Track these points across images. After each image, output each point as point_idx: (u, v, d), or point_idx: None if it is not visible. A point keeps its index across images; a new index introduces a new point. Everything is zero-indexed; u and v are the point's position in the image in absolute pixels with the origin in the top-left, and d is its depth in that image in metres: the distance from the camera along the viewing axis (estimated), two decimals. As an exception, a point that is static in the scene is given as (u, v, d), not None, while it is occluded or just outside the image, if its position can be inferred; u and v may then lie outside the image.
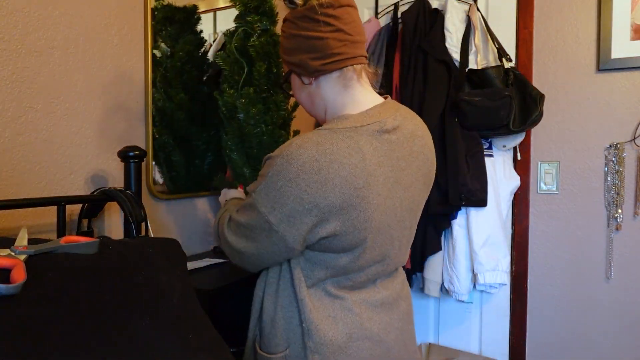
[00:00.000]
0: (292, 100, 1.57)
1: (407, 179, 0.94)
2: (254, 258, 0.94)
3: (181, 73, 1.50)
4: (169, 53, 1.45)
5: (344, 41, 0.90)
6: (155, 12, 1.40)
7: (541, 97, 1.76)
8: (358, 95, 0.94)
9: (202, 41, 1.57)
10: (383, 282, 1.02)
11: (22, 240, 0.78)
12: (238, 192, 1.28)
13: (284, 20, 0.96)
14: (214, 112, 1.62)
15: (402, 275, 1.10)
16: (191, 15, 1.53)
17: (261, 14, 1.46)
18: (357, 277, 0.95)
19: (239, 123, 1.45)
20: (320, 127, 0.90)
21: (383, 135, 0.90)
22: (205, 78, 1.61)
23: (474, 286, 1.90)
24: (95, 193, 1.15)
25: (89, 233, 1.17)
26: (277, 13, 1.52)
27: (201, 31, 1.57)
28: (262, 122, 1.46)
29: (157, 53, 1.41)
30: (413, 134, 0.96)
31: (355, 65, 0.93)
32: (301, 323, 0.93)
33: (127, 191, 1.14)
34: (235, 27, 1.50)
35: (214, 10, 1.64)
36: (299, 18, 0.91)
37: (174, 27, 1.47)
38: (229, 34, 1.51)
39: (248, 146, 1.48)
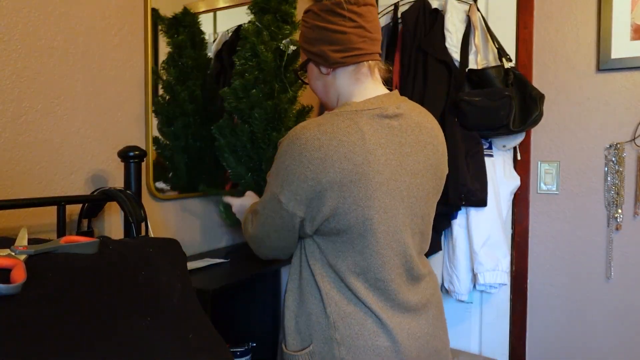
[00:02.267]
0: (298, 104, 1.58)
1: (413, 166, 0.96)
2: (268, 238, 1.00)
3: (187, 76, 1.51)
4: (175, 56, 1.46)
5: (363, 37, 0.96)
6: (165, 21, 1.42)
7: (541, 97, 1.76)
8: (367, 88, 0.99)
9: (205, 43, 1.58)
10: (409, 286, 1.00)
11: (22, 240, 0.78)
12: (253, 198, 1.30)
13: (307, 11, 1.01)
14: (214, 113, 1.62)
15: (432, 281, 1.08)
16: (195, 20, 1.55)
17: (290, 23, 1.53)
18: (379, 272, 0.94)
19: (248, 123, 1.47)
20: (325, 113, 0.96)
21: (383, 119, 0.94)
22: (205, 78, 1.61)
23: (474, 286, 1.90)
24: (95, 193, 1.15)
25: (89, 233, 1.17)
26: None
27: (203, 33, 1.57)
28: (270, 122, 1.48)
29: (163, 58, 1.42)
30: (419, 124, 0.99)
31: (370, 62, 0.99)
32: (327, 316, 0.94)
33: (127, 191, 1.14)
34: (254, 26, 1.50)
35: (214, 10, 1.64)
36: (324, 11, 0.96)
37: (182, 32, 1.48)
38: (251, 32, 1.51)
39: (258, 146, 1.49)
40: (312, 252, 0.97)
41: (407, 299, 0.98)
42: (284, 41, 1.37)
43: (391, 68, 1.05)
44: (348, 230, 0.91)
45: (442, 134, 1.06)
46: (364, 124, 0.91)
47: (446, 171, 1.07)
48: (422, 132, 0.99)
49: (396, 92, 1.02)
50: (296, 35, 1.56)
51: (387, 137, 0.92)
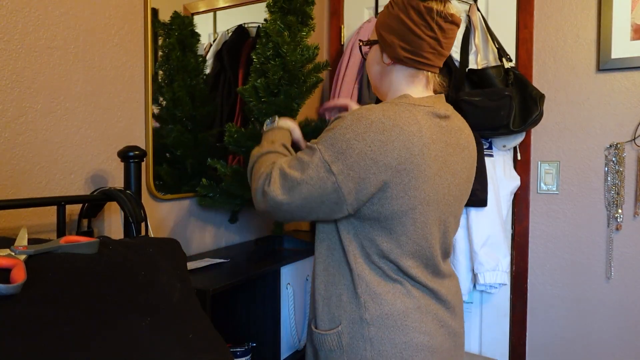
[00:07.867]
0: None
1: (454, 166, 1.00)
2: (304, 209, 0.95)
3: (181, 78, 1.50)
4: (172, 58, 1.46)
5: (434, 50, 0.99)
6: (163, 30, 1.42)
7: (541, 97, 1.76)
8: (419, 91, 1.04)
9: (197, 46, 1.58)
10: (438, 280, 1.04)
11: (22, 240, 0.78)
12: (291, 123, 1.21)
13: None
14: (208, 114, 1.62)
15: (456, 281, 1.12)
16: (186, 23, 1.54)
17: (309, 28, 1.52)
18: (409, 260, 0.98)
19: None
20: (384, 102, 0.99)
21: (435, 118, 0.98)
22: (204, 78, 1.61)
23: (474, 286, 1.90)
24: (95, 193, 1.15)
25: (89, 233, 1.17)
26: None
27: (197, 35, 1.57)
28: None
29: (161, 63, 1.42)
30: (460, 129, 1.04)
31: (428, 73, 1.03)
32: (358, 297, 0.97)
33: (127, 191, 1.14)
34: (270, 25, 1.49)
35: (214, 10, 1.64)
36: (413, 8, 0.97)
37: (172, 35, 1.48)
38: (274, 31, 1.49)
39: None
40: (347, 234, 0.98)
41: (437, 289, 1.02)
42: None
43: (446, 84, 1.12)
44: (390, 216, 0.94)
45: (475, 145, 1.10)
46: (421, 117, 0.94)
47: (474, 176, 1.10)
48: (461, 137, 1.03)
49: (443, 96, 1.06)
50: (312, 39, 1.56)
51: (437, 134, 0.96)
